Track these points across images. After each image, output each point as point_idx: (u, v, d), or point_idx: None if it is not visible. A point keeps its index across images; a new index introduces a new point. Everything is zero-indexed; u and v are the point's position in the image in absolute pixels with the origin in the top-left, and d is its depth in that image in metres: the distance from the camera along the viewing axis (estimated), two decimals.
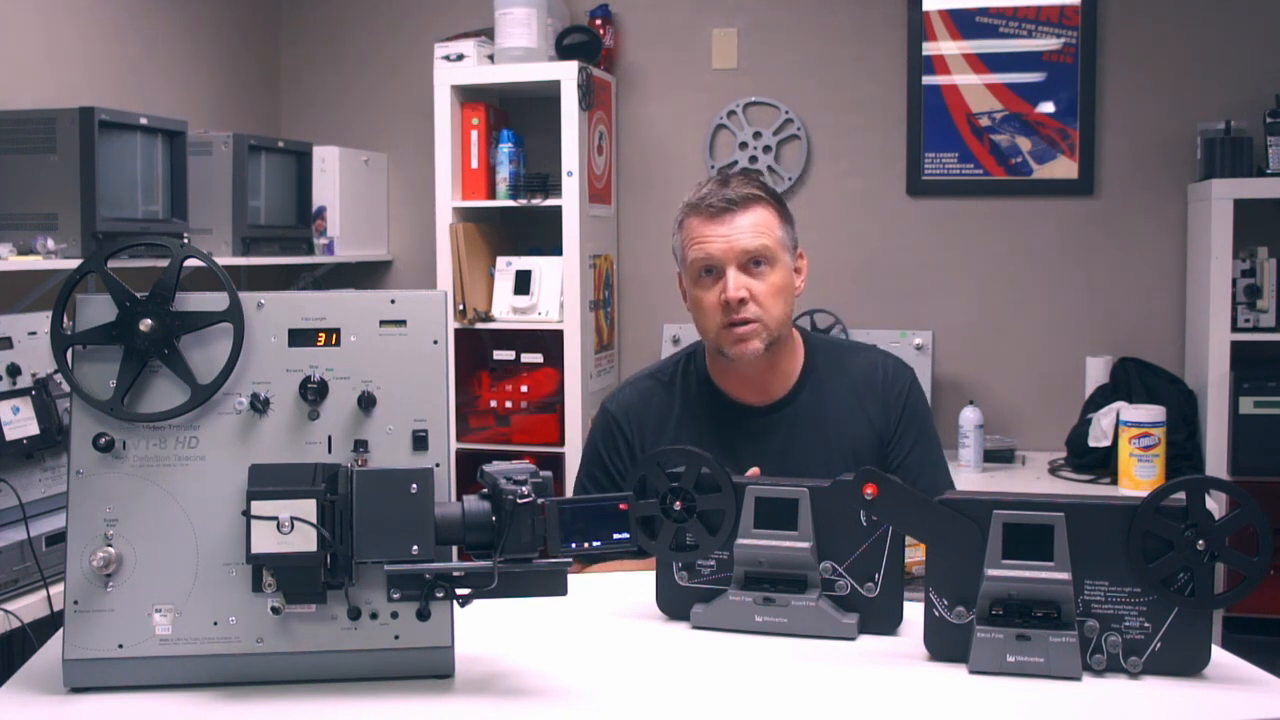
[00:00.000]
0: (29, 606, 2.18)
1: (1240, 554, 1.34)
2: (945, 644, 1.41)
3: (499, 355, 3.82)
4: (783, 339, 1.97)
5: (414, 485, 1.28)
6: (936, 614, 1.41)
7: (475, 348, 3.85)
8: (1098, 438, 3.38)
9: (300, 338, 1.36)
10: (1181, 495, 1.35)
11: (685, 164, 4.06)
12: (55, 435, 2.33)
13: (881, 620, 1.51)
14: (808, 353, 2.04)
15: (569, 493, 3.62)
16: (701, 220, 1.94)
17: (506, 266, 3.83)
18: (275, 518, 1.23)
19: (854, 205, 3.84)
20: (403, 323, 1.38)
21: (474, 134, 3.81)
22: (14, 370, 2.31)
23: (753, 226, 1.92)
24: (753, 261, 1.91)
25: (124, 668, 1.30)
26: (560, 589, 1.28)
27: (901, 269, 3.88)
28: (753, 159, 3.98)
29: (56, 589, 2.18)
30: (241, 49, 4.15)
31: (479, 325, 3.80)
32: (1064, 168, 3.76)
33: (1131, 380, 3.50)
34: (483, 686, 1.33)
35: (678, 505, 1.51)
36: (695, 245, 1.94)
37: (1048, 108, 3.75)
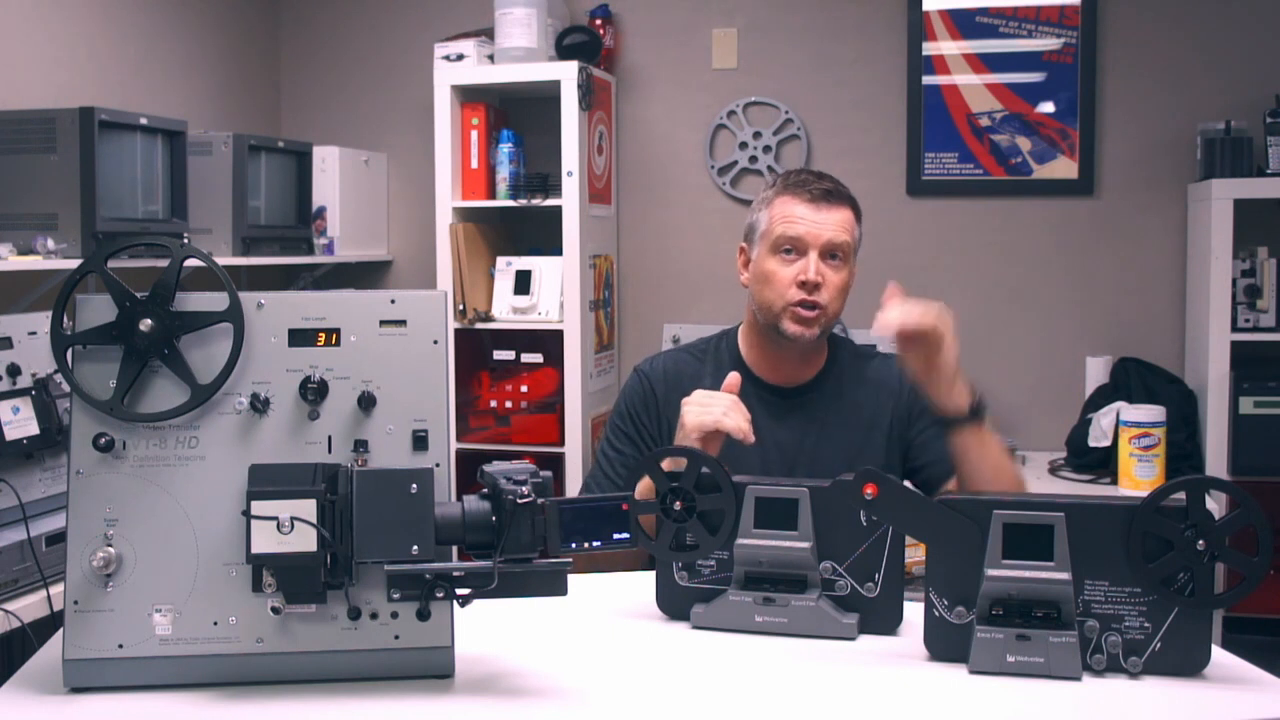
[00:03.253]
0: (29, 606, 2.18)
1: (1240, 554, 1.34)
2: (945, 644, 1.41)
3: (499, 355, 3.82)
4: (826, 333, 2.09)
5: (414, 485, 1.28)
6: (936, 614, 1.41)
7: (475, 348, 3.85)
8: (1098, 438, 3.38)
9: (300, 338, 1.36)
10: (1181, 495, 1.35)
11: (685, 164, 4.06)
12: (55, 435, 2.33)
13: (881, 620, 1.51)
14: (831, 349, 2.15)
15: (577, 482, 3.63)
16: (799, 201, 2.03)
17: (506, 266, 3.83)
18: (275, 518, 1.23)
19: None
20: (403, 323, 1.38)
21: (474, 134, 3.81)
22: (14, 370, 2.31)
23: (840, 222, 2.04)
24: (831, 254, 2.03)
25: (124, 668, 1.30)
26: (560, 589, 1.28)
27: (901, 269, 3.86)
28: (753, 159, 3.98)
29: (56, 589, 2.18)
30: (241, 49, 4.15)
31: (479, 325, 3.80)
32: (1064, 168, 3.76)
33: (1131, 380, 3.50)
34: (483, 686, 1.33)
35: (678, 505, 1.51)
36: (786, 222, 2.02)
37: (1048, 108, 3.76)
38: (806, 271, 1.98)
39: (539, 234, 3.98)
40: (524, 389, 3.80)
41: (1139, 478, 3.20)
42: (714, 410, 1.79)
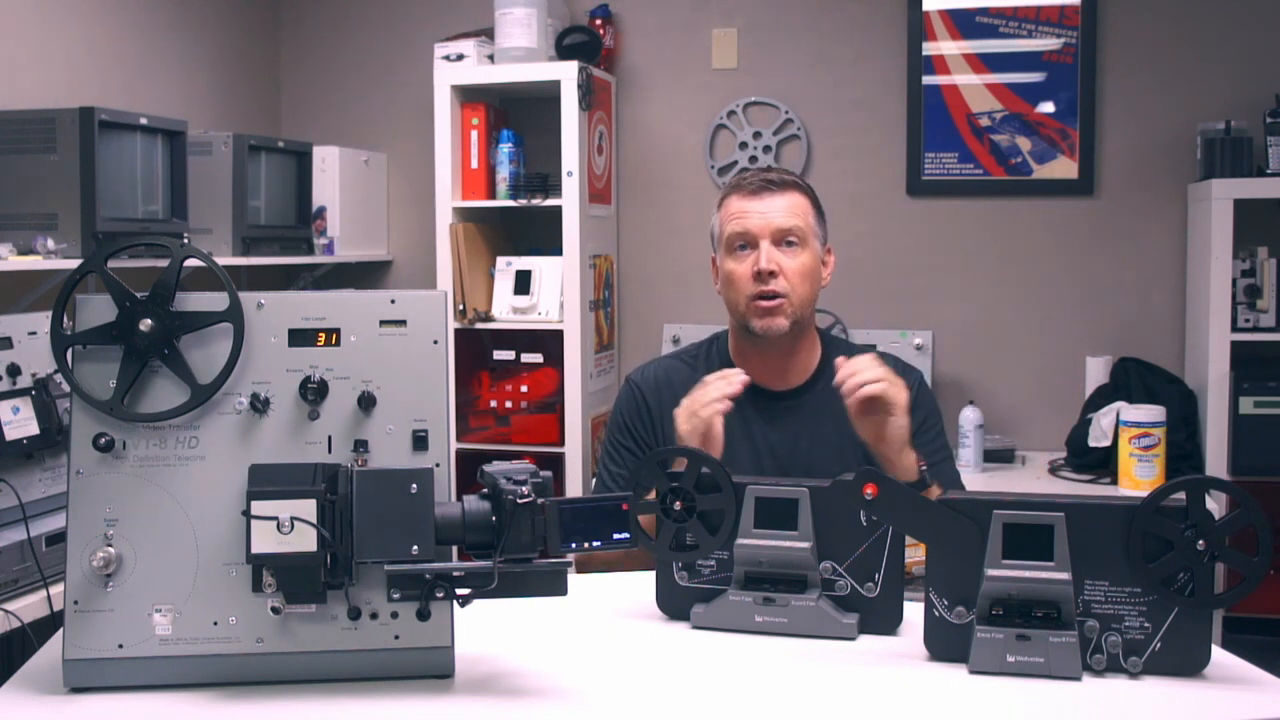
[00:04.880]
0: (29, 606, 2.18)
1: (1240, 554, 1.34)
2: (945, 644, 1.41)
3: (499, 355, 3.82)
4: (805, 325, 2.05)
5: (414, 485, 1.28)
6: (936, 614, 1.41)
7: (475, 348, 3.85)
8: (1098, 438, 3.38)
9: (300, 338, 1.36)
10: (1181, 495, 1.35)
11: (685, 164, 4.06)
12: (55, 435, 2.33)
13: (881, 620, 1.51)
14: (824, 348, 2.12)
15: (577, 482, 3.63)
16: (740, 197, 2.03)
17: (506, 266, 3.83)
18: (275, 518, 1.23)
19: (854, 205, 3.84)
20: (403, 323, 1.38)
21: (474, 134, 3.81)
22: (14, 370, 2.31)
23: (788, 207, 2.01)
24: (785, 241, 2.00)
25: (124, 668, 1.30)
26: (560, 589, 1.28)
27: (901, 269, 3.88)
28: (753, 159, 3.97)
29: (56, 589, 2.18)
30: (241, 49, 4.15)
31: (479, 325, 3.80)
32: (1064, 168, 3.76)
33: (1131, 380, 3.50)
34: (483, 686, 1.33)
35: (678, 505, 1.51)
36: (733, 220, 2.02)
37: (1048, 108, 3.75)
38: (758, 262, 1.97)
39: (539, 234, 3.98)
40: (524, 389, 3.80)
41: (1139, 478, 3.20)
42: (704, 408, 1.82)
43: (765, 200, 2.00)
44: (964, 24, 3.80)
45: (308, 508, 1.25)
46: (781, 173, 2.06)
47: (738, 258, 2.01)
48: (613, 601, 1.65)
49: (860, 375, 1.80)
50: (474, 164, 3.82)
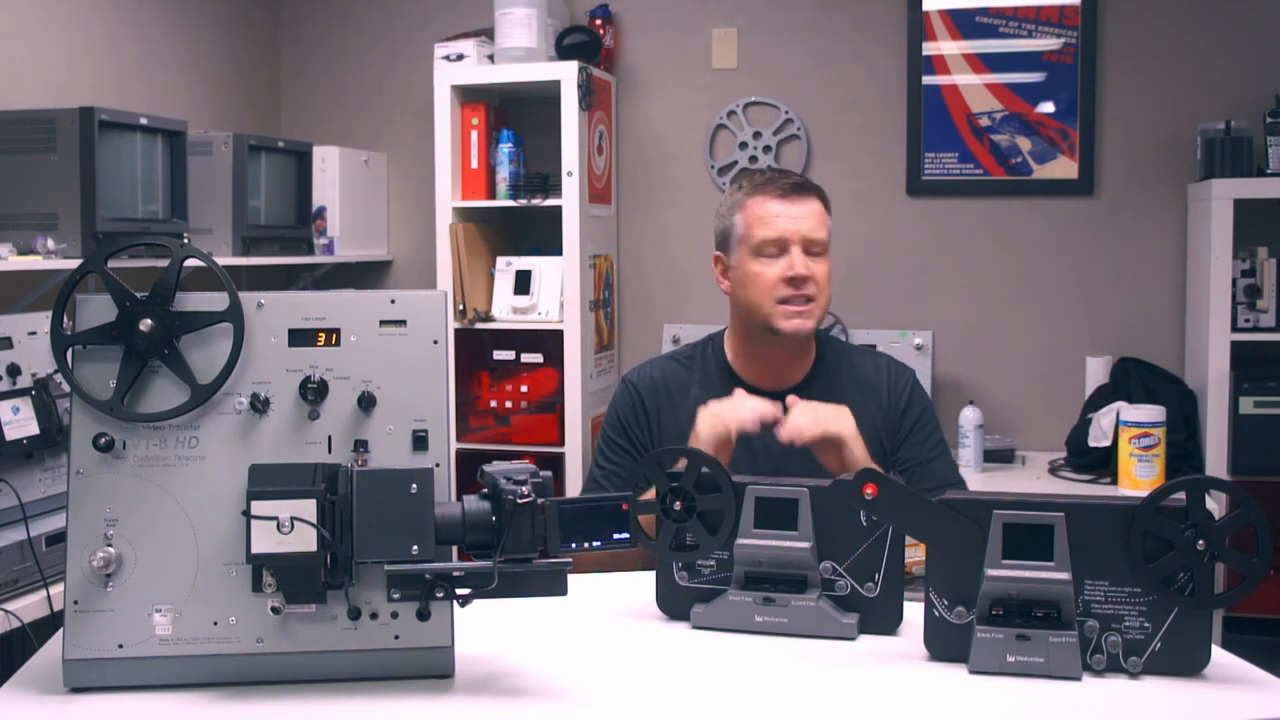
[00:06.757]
0: (29, 606, 2.18)
1: (1240, 554, 1.34)
2: (945, 644, 1.41)
3: (499, 355, 3.82)
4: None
5: (414, 485, 1.28)
6: (936, 614, 1.41)
7: (475, 348, 3.85)
8: (1098, 438, 3.38)
9: (300, 338, 1.36)
10: (1181, 495, 1.35)
11: (685, 164, 4.06)
12: (55, 435, 2.33)
13: (881, 620, 1.51)
14: (818, 348, 2.13)
15: (577, 482, 3.63)
16: (771, 199, 2.03)
17: (506, 266, 3.83)
18: (275, 518, 1.24)
19: (854, 205, 3.84)
20: (403, 323, 1.38)
21: (474, 134, 3.81)
22: (14, 370, 2.31)
23: (815, 214, 2.03)
24: (813, 247, 2.02)
25: (124, 668, 1.31)
26: (560, 589, 1.28)
27: (901, 269, 3.88)
28: (753, 159, 3.97)
29: (56, 589, 2.18)
30: (241, 49, 4.15)
31: (479, 325, 3.80)
32: (1064, 168, 3.76)
33: (1131, 380, 3.50)
34: (483, 686, 1.33)
35: (678, 505, 1.51)
36: (764, 223, 2.02)
37: (1048, 108, 3.75)
38: (793, 267, 1.99)
39: (539, 234, 3.98)
40: (524, 389, 3.80)
41: (1139, 478, 3.20)
42: (730, 418, 1.87)
43: (796, 205, 2.01)
44: (964, 24, 3.80)
45: (308, 508, 1.25)
46: (803, 177, 2.09)
47: (765, 261, 2.02)
48: (613, 601, 1.65)
49: (799, 431, 1.86)
50: (474, 164, 3.82)
